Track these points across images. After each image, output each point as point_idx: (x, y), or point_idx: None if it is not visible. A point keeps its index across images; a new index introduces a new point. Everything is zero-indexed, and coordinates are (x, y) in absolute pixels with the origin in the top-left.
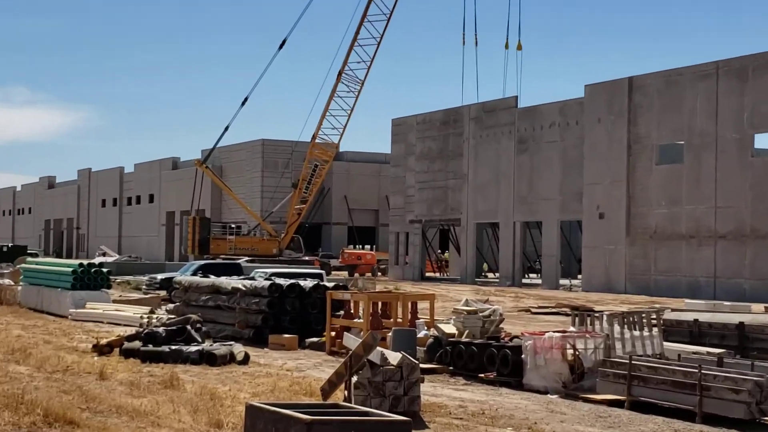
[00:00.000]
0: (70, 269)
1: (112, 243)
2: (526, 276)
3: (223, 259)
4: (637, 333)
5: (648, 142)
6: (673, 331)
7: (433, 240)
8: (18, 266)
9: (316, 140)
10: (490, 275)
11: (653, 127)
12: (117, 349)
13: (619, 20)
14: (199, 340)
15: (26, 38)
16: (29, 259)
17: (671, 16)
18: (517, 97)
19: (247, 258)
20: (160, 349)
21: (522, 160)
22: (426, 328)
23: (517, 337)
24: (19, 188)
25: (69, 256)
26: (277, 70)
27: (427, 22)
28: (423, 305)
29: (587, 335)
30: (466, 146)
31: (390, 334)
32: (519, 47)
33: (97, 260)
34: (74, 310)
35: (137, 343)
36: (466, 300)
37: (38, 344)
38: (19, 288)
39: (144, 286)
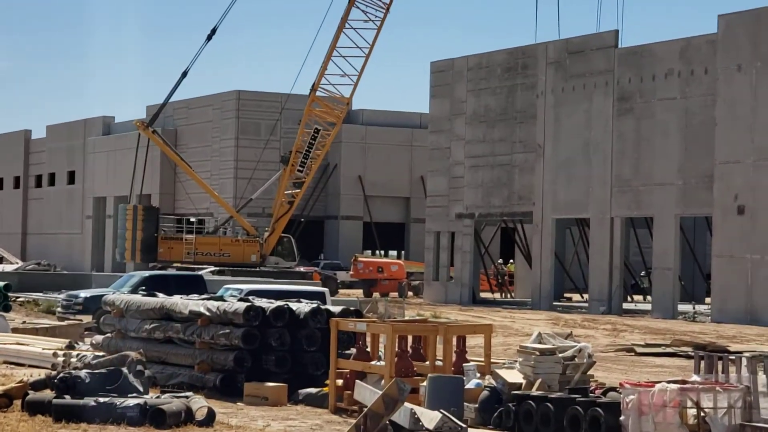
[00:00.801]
0: None
1: (13, 243)
2: (629, 299)
3: (178, 269)
4: None
5: None
6: None
7: (492, 244)
8: None
9: (318, 93)
10: (575, 297)
11: None
12: (18, 402)
13: None
14: (141, 389)
15: None
16: None
17: None
18: (617, 31)
19: (213, 268)
20: (82, 402)
21: (624, 126)
22: (479, 375)
23: (614, 389)
24: None
25: None
26: None
27: None
28: (475, 341)
29: (718, 388)
30: (541, 104)
31: (425, 383)
32: None
33: None
34: None
35: (48, 393)
36: (539, 334)
37: None
38: None
39: (59, 309)
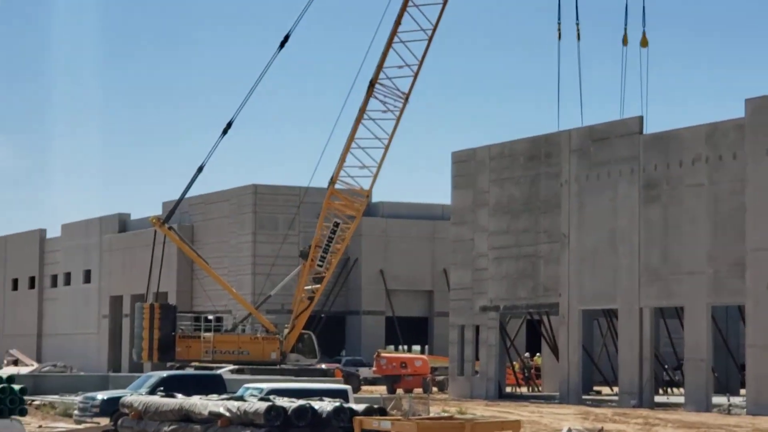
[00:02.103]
0: None
1: (29, 344)
2: (661, 391)
3: (196, 368)
4: None
5: None
6: None
7: (518, 337)
8: None
9: (336, 185)
10: (605, 390)
11: None
12: None
13: None
14: None
15: None
16: None
17: None
18: (641, 117)
19: (232, 367)
20: None
21: (651, 214)
22: None
23: None
24: None
25: None
26: (275, 84)
27: (501, 6)
28: None
29: None
30: (565, 193)
31: None
32: (644, 43)
33: (5, 371)
34: None
35: None
36: (569, 429)
37: None
38: None
39: (76, 412)
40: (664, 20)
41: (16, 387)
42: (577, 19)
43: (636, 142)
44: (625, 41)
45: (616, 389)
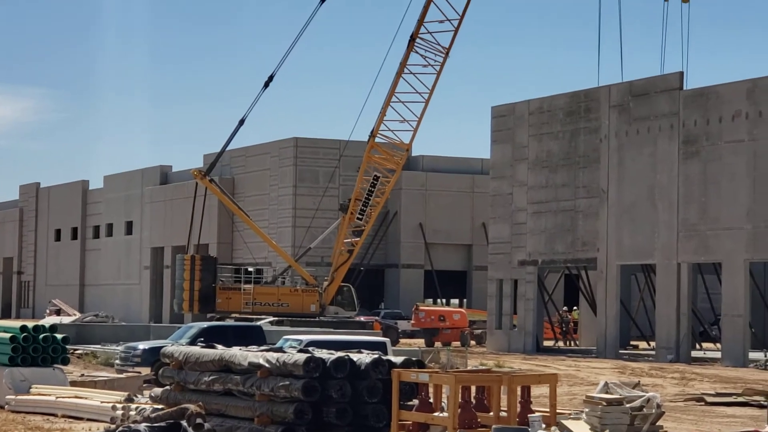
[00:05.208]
0: (8, 335)
1: (71, 295)
2: (698, 347)
3: (237, 319)
4: None
5: None
6: None
7: (555, 291)
8: None
9: (377, 139)
10: (642, 345)
11: None
12: None
13: None
14: None
15: None
16: None
17: None
18: (682, 73)
19: (272, 318)
20: None
21: (690, 170)
22: (544, 425)
23: None
24: None
25: (6, 316)
26: (316, 38)
27: None
28: (540, 391)
29: None
30: (604, 148)
31: None
32: None
33: (47, 321)
34: (13, 397)
35: None
36: (606, 383)
37: None
38: None
39: (118, 361)
40: None
41: (59, 336)
42: None
43: (676, 98)
44: None
45: (653, 344)
